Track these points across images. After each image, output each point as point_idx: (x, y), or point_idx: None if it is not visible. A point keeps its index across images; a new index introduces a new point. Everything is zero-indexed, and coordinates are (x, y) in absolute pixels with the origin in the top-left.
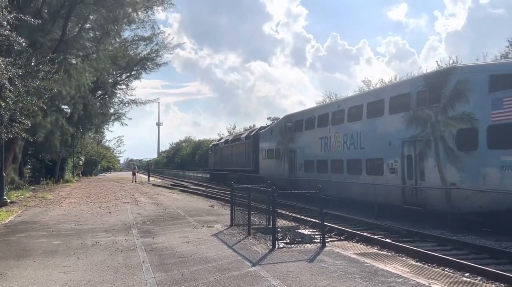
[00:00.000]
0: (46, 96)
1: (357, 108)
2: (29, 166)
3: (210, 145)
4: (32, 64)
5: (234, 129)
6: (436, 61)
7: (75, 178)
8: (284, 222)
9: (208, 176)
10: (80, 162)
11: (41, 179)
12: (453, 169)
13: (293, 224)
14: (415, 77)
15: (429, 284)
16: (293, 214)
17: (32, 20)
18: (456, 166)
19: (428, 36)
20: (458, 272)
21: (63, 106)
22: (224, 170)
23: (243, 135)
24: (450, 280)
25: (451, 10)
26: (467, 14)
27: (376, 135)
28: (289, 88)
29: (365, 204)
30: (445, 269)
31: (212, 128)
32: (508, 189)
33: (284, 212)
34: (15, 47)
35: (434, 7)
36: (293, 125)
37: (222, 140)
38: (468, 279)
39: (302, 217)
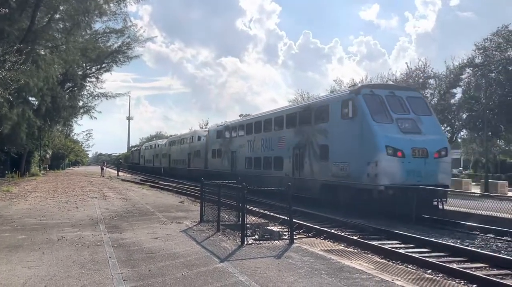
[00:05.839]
0: (13, 87)
1: None
2: None
3: (131, 150)
4: None
5: (206, 125)
6: (406, 63)
7: (42, 172)
8: (253, 218)
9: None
10: (47, 156)
11: (6, 172)
12: None
13: (263, 220)
14: None
15: (393, 280)
16: (262, 211)
17: None
18: None
19: (398, 37)
20: (421, 269)
21: (30, 98)
22: (133, 163)
23: (136, 148)
24: (413, 277)
25: (422, 11)
26: (437, 16)
27: None
28: (261, 85)
29: None
30: (409, 266)
31: (183, 123)
32: None
33: (254, 208)
34: None
35: (405, 8)
36: None
37: (135, 149)
38: (430, 276)
39: (272, 214)
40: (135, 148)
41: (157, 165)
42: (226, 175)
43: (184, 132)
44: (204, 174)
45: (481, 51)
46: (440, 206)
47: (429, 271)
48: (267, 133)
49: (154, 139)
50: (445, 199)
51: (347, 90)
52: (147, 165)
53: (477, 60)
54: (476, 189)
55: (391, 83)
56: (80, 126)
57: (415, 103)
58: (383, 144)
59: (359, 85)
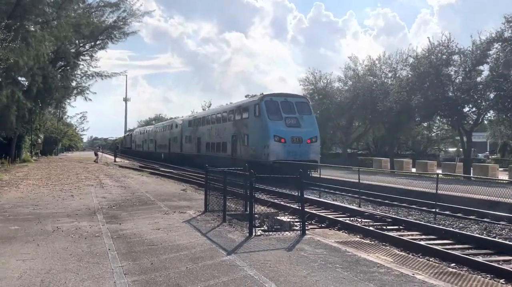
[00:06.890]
0: (1, 66)
1: None
2: None
3: (124, 135)
4: None
5: (209, 107)
6: (428, 37)
7: (33, 158)
8: (262, 208)
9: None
10: (39, 140)
11: None
12: None
13: (272, 210)
14: None
15: (413, 274)
16: (272, 200)
17: None
18: None
19: (419, 8)
20: (444, 262)
21: (20, 78)
22: (125, 147)
23: (128, 133)
24: (435, 271)
25: None
26: None
27: None
28: (269, 63)
29: None
30: (430, 259)
31: (184, 105)
32: None
33: (262, 197)
34: None
35: None
36: None
37: (127, 134)
38: (453, 270)
39: (282, 203)
40: (128, 133)
41: (146, 149)
42: (193, 157)
43: (185, 114)
44: (179, 156)
45: (511, 24)
46: (312, 175)
47: (452, 265)
48: (219, 124)
49: (154, 122)
50: (314, 170)
51: (257, 97)
52: (138, 149)
53: (506, 34)
54: (503, 176)
55: (411, 60)
56: (74, 108)
57: (301, 107)
58: (272, 134)
59: (263, 94)
